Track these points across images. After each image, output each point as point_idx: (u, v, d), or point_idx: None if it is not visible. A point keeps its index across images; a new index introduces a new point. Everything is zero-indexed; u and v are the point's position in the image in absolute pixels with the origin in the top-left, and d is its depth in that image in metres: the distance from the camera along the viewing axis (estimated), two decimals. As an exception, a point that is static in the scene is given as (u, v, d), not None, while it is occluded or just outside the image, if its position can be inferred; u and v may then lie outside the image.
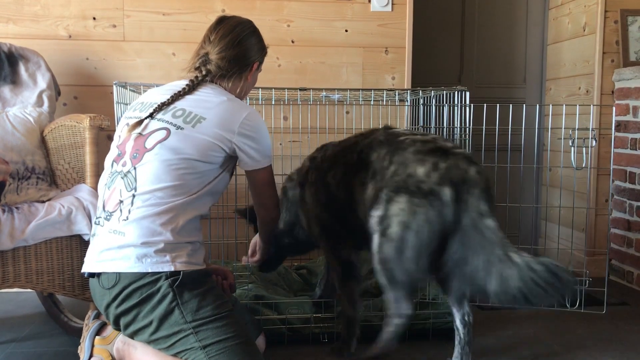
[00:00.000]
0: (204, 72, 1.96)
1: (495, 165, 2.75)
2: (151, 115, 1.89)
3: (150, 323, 1.73)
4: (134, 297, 1.73)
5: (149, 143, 1.84)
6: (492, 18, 4.27)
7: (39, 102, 2.80)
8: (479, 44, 4.27)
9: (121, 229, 1.76)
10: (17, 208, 2.28)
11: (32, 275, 2.26)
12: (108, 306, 1.78)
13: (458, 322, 2.22)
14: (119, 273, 1.73)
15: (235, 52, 1.98)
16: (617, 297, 3.27)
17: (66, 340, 2.57)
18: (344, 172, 2.26)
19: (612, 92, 3.63)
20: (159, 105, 1.91)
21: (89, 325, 2.03)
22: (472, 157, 2.07)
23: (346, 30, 3.46)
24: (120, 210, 1.80)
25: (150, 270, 1.71)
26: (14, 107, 2.75)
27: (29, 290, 2.48)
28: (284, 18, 3.41)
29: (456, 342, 2.25)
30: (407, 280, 2.01)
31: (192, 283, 1.73)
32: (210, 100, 1.92)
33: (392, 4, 3.46)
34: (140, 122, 1.89)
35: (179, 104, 1.90)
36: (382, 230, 2.01)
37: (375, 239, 2.03)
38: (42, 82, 2.84)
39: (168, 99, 1.92)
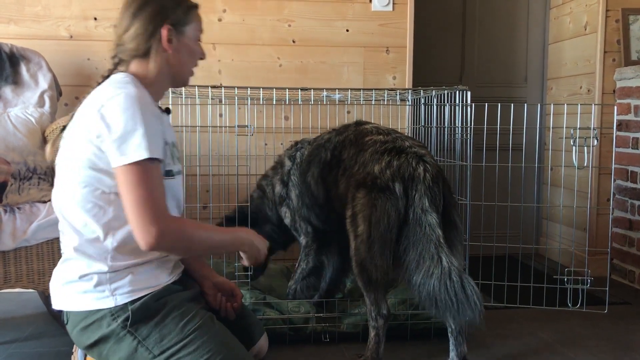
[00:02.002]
0: (115, 62, 1.67)
1: (497, 165, 2.74)
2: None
3: None
4: (85, 338, 1.57)
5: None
6: (493, 17, 4.27)
7: (41, 103, 2.80)
8: (480, 44, 4.27)
9: (63, 262, 1.60)
10: (18, 208, 2.28)
11: (34, 275, 2.26)
12: (74, 340, 1.64)
13: None
14: (68, 312, 1.59)
15: (137, 25, 1.63)
16: (618, 296, 3.26)
17: (68, 340, 2.54)
18: (320, 169, 2.44)
19: (614, 91, 3.63)
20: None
21: None
22: (425, 155, 2.24)
23: (347, 30, 3.46)
24: (60, 239, 1.63)
25: (91, 308, 1.53)
26: (15, 108, 2.75)
27: (30, 290, 2.48)
28: (285, 18, 3.41)
29: (449, 333, 2.31)
30: (381, 277, 2.17)
31: (145, 315, 1.53)
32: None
33: (393, 3, 3.46)
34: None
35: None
36: (354, 230, 2.21)
37: (351, 242, 2.22)
38: (44, 82, 2.84)
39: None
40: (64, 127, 1.62)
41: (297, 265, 2.73)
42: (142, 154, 1.45)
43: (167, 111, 1.76)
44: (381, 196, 2.15)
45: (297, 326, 2.54)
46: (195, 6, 1.70)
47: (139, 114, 1.47)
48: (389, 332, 2.25)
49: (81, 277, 1.54)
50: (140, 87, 1.58)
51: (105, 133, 1.47)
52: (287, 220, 2.68)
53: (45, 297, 2.82)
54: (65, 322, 1.61)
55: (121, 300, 1.52)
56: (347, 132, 2.44)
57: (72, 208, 1.54)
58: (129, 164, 1.45)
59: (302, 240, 2.69)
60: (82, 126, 1.53)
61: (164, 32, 1.62)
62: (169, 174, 1.62)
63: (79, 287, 1.54)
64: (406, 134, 3.37)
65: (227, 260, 2.82)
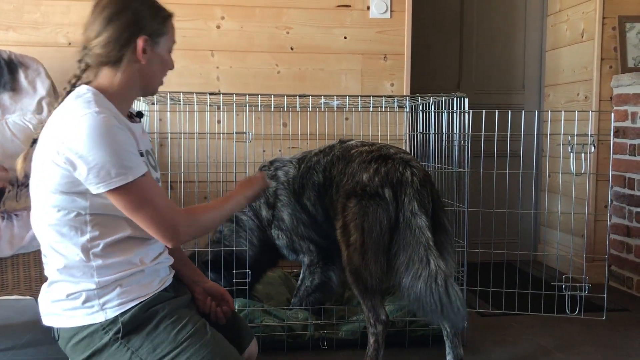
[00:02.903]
0: (82, 67, 1.60)
1: (495, 172, 2.75)
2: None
3: None
4: (79, 353, 1.56)
5: None
6: (490, 25, 4.29)
7: (39, 109, 2.80)
8: (478, 51, 4.28)
9: (48, 285, 1.57)
10: (16, 215, 2.28)
11: (32, 282, 2.26)
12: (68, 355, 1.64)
13: None
14: (57, 328, 1.57)
15: (111, 31, 1.55)
16: (616, 303, 3.26)
17: (65, 347, 2.56)
18: (317, 193, 2.49)
19: (611, 98, 3.64)
20: None
21: None
22: (411, 160, 2.31)
23: (345, 37, 3.47)
24: (45, 256, 1.60)
25: (81, 324, 1.52)
26: (13, 115, 2.76)
27: (28, 297, 2.48)
28: (283, 25, 3.42)
29: (444, 336, 2.35)
30: (377, 284, 2.19)
31: (136, 325, 1.53)
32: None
33: (391, 10, 3.47)
34: None
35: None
36: (346, 240, 2.23)
37: (343, 252, 2.25)
38: (42, 89, 2.85)
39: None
40: (35, 140, 1.57)
41: (299, 282, 2.70)
42: (127, 178, 1.44)
43: (139, 115, 1.72)
44: (372, 203, 2.19)
45: (295, 333, 2.53)
46: (171, 15, 1.66)
47: (108, 139, 1.43)
48: (387, 339, 2.25)
49: (68, 295, 1.53)
50: (104, 104, 1.52)
51: (77, 161, 1.43)
52: (281, 242, 2.66)
53: (43, 304, 2.82)
54: (56, 338, 1.60)
55: (111, 313, 1.52)
56: (333, 151, 2.50)
57: (49, 232, 1.53)
58: (119, 188, 1.44)
59: (305, 259, 2.66)
60: (49, 149, 1.48)
61: (140, 42, 1.56)
62: None
63: (68, 305, 1.53)
64: (404, 140, 3.40)
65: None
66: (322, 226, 2.52)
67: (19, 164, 1.61)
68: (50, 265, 1.56)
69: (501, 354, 2.58)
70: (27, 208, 2.40)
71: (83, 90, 1.54)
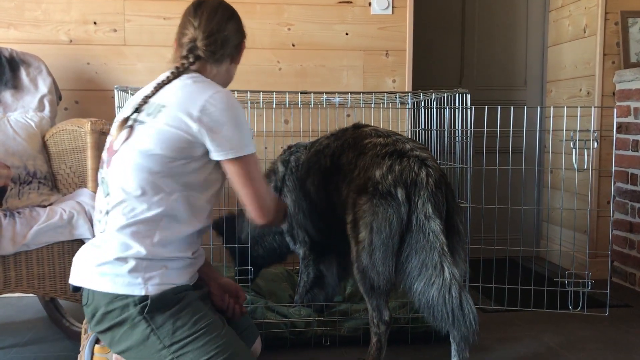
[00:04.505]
0: (191, 59, 1.74)
1: (497, 168, 2.74)
2: (129, 115, 1.70)
3: (128, 349, 1.62)
4: (104, 322, 1.61)
5: (116, 145, 1.68)
6: (492, 20, 4.28)
7: (40, 107, 2.81)
8: (480, 47, 4.27)
9: (98, 243, 1.64)
10: (18, 213, 2.28)
11: (34, 280, 2.26)
12: (88, 322, 1.69)
13: None
14: (93, 291, 1.62)
15: (225, 33, 1.77)
16: (619, 299, 3.26)
17: (68, 345, 2.57)
18: (321, 177, 2.41)
19: (613, 93, 3.63)
20: (139, 103, 1.71)
21: (88, 333, 1.97)
22: (427, 159, 2.19)
23: (347, 34, 3.46)
24: (99, 221, 1.68)
25: (121, 293, 1.57)
26: (15, 112, 2.76)
27: (30, 295, 2.48)
28: (285, 22, 3.41)
29: (451, 338, 2.27)
30: (383, 284, 2.14)
31: (163, 305, 1.59)
32: (175, 85, 1.70)
33: (393, 7, 3.47)
34: (121, 123, 1.70)
35: (154, 98, 1.69)
36: (355, 236, 2.17)
37: (353, 247, 2.19)
38: (43, 86, 2.85)
39: (148, 95, 1.71)
40: (128, 118, 1.68)
41: (299, 279, 2.71)
42: (251, 149, 1.66)
43: None
44: (383, 203, 2.10)
45: (298, 330, 2.53)
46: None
47: (242, 113, 1.68)
48: (390, 336, 2.25)
49: (117, 258, 1.58)
50: None
51: (215, 128, 1.61)
52: (284, 227, 2.67)
53: (45, 302, 2.82)
54: (85, 302, 1.64)
55: (152, 290, 1.58)
56: (345, 136, 2.40)
57: (137, 190, 1.60)
58: (241, 158, 1.64)
59: (299, 250, 2.66)
60: (175, 115, 1.61)
61: (244, 45, 1.85)
62: None
63: (113, 269, 1.58)
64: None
65: (228, 265, 2.82)
66: (323, 215, 2.46)
67: (115, 130, 1.70)
68: (111, 222, 1.62)
69: (504, 350, 2.58)
70: (29, 206, 2.41)
71: (197, 75, 1.73)
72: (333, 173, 2.34)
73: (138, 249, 1.58)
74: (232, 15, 1.82)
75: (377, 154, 2.20)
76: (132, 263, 1.57)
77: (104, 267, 1.58)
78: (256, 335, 1.88)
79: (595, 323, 2.84)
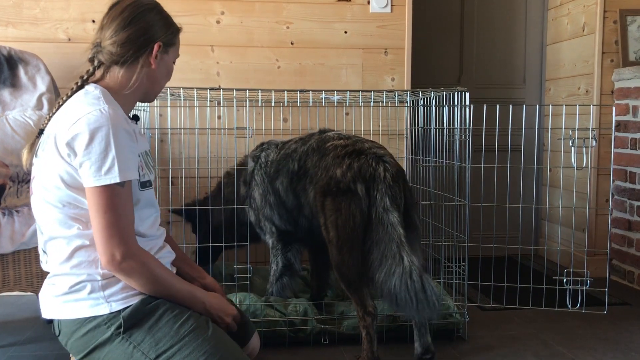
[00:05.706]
0: (95, 64, 1.65)
1: (496, 166, 2.74)
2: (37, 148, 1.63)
3: None
4: (82, 348, 1.56)
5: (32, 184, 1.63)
6: (491, 19, 4.27)
7: (39, 105, 2.80)
8: (478, 45, 4.27)
9: (52, 281, 1.59)
10: (17, 211, 2.28)
11: (33, 278, 2.26)
12: (71, 353, 1.64)
13: None
14: (59, 321, 1.58)
15: (128, 33, 1.61)
16: (618, 297, 3.26)
17: (67, 343, 2.57)
18: (289, 180, 2.52)
19: (612, 92, 3.63)
20: (37, 134, 1.64)
21: None
22: (384, 156, 2.31)
23: (345, 32, 3.46)
24: (44, 262, 1.64)
25: (87, 315, 1.53)
26: (13, 111, 2.75)
27: (29, 293, 2.48)
28: (284, 20, 3.41)
29: (413, 324, 2.40)
30: (356, 277, 2.21)
31: (138, 320, 1.54)
32: (68, 104, 1.60)
33: (392, 5, 3.46)
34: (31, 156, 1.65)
35: (48, 127, 1.60)
36: (327, 237, 2.27)
37: (329, 248, 2.28)
38: (42, 85, 2.84)
39: (44, 122, 1.61)
40: (41, 131, 1.62)
41: (270, 268, 2.77)
42: (115, 178, 1.47)
43: (135, 118, 1.77)
44: (345, 199, 2.21)
45: (297, 327, 2.53)
46: (180, 30, 1.76)
47: (112, 135, 1.48)
48: (390, 334, 2.26)
49: (72, 288, 1.54)
50: (112, 102, 1.58)
51: (79, 153, 1.47)
52: (251, 219, 2.74)
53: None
54: (57, 333, 1.60)
55: (116, 307, 1.53)
56: (310, 140, 2.53)
57: (54, 226, 1.55)
58: (101, 187, 1.47)
59: (268, 240, 2.74)
60: (55, 143, 1.52)
61: (156, 47, 1.65)
62: (147, 184, 1.64)
63: (72, 297, 1.54)
64: (405, 135, 3.39)
65: (226, 263, 2.82)
66: (291, 212, 2.57)
67: (24, 155, 1.64)
68: (52, 258, 1.58)
69: (502, 348, 2.58)
70: (28, 204, 2.40)
71: (91, 88, 1.61)
72: (300, 176, 2.47)
73: (88, 273, 1.54)
74: (144, 13, 1.65)
75: (337, 155, 2.32)
76: (88, 287, 1.53)
77: (64, 297, 1.56)
78: (253, 331, 1.85)
79: (594, 321, 2.85)
